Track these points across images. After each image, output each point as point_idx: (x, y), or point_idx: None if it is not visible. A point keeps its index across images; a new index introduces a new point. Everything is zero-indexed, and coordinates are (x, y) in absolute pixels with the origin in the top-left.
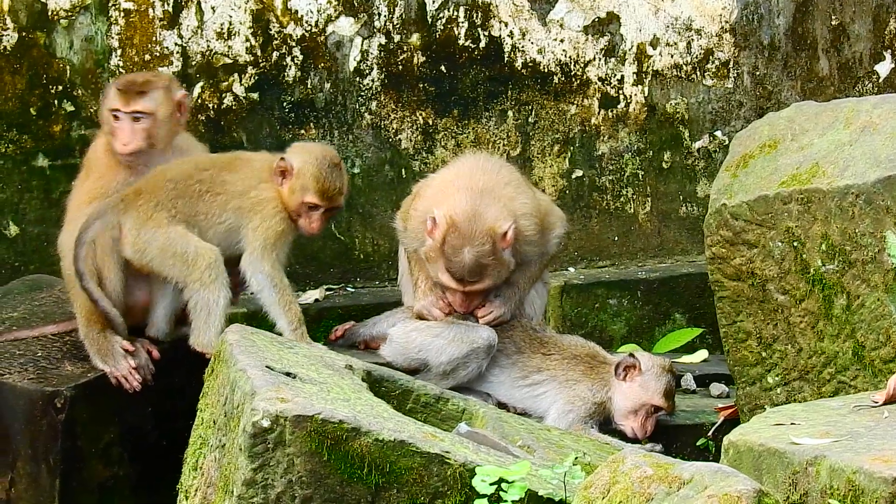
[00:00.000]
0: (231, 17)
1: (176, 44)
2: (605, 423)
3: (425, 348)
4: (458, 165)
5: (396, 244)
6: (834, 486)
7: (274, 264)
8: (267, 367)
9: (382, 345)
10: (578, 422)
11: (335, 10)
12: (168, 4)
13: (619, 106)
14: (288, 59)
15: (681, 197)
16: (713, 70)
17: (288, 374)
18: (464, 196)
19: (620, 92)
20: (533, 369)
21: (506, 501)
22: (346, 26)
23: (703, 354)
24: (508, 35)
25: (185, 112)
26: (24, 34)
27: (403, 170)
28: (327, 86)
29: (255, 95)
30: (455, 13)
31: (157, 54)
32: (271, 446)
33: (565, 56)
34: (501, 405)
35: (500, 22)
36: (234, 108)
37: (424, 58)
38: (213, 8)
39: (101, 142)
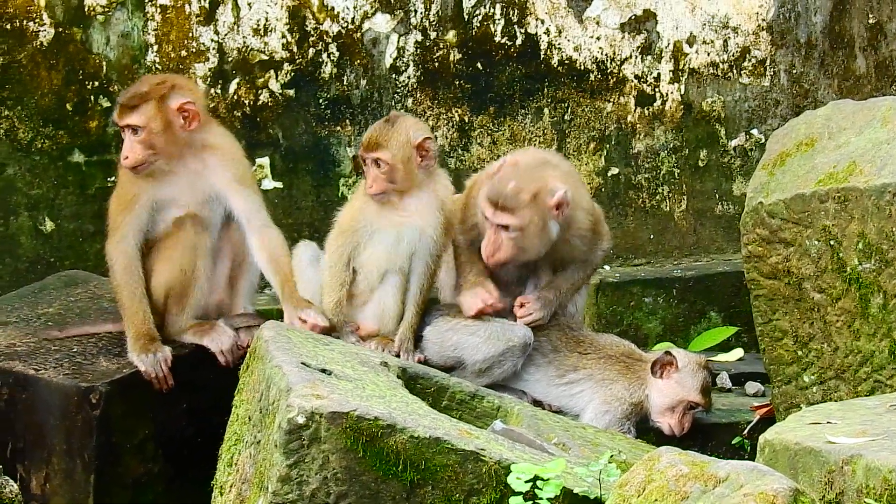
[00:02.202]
0: (267, 13)
1: (212, 40)
2: (642, 421)
3: (461, 346)
4: (522, 151)
5: None
6: (870, 485)
7: (332, 254)
8: (302, 363)
9: (419, 346)
10: (615, 423)
11: (371, 7)
12: (204, 0)
13: (655, 104)
14: (324, 56)
15: (717, 195)
16: (750, 68)
17: (323, 371)
18: (531, 157)
19: (657, 90)
20: (569, 368)
21: (541, 499)
22: (382, 23)
23: (738, 353)
24: (545, 32)
25: (194, 116)
26: (60, 30)
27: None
28: (363, 82)
29: (291, 92)
30: (491, 10)
31: (194, 50)
32: (306, 443)
33: (601, 54)
34: (537, 403)
35: (536, 19)
36: (269, 104)
37: (460, 55)
38: (249, 4)
39: None
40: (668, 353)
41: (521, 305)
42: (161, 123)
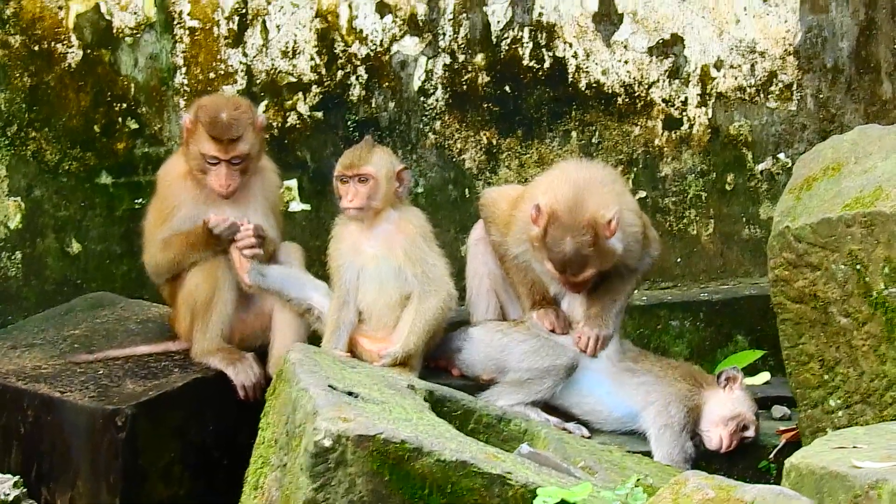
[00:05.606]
0: (296, 35)
1: (241, 62)
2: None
3: (508, 349)
4: (561, 166)
5: (462, 263)
6: None
7: (333, 282)
8: (329, 386)
9: (456, 356)
10: (676, 439)
11: (400, 30)
12: (233, 23)
13: (682, 127)
14: (352, 78)
15: (744, 219)
16: (777, 92)
17: (350, 394)
18: (567, 187)
19: (684, 114)
20: (630, 365)
21: None
22: (410, 46)
23: (765, 377)
24: (573, 56)
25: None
26: (88, 51)
27: (467, 189)
28: (391, 105)
29: (319, 114)
30: (520, 34)
31: (222, 72)
32: (333, 466)
33: (629, 77)
34: (570, 417)
35: (564, 43)
36: (298, 126)
37: (489, 78)
38: (278, 27)
39: (176, 162)
40: (735, 368)
41: (579, 339)
42: (258, 144)
